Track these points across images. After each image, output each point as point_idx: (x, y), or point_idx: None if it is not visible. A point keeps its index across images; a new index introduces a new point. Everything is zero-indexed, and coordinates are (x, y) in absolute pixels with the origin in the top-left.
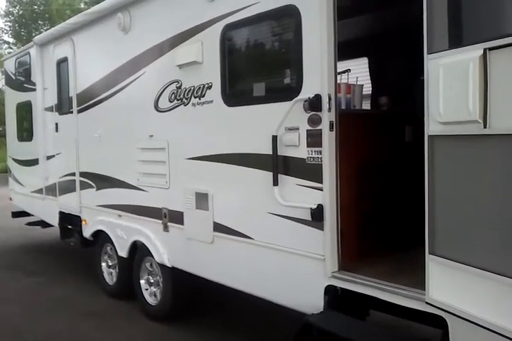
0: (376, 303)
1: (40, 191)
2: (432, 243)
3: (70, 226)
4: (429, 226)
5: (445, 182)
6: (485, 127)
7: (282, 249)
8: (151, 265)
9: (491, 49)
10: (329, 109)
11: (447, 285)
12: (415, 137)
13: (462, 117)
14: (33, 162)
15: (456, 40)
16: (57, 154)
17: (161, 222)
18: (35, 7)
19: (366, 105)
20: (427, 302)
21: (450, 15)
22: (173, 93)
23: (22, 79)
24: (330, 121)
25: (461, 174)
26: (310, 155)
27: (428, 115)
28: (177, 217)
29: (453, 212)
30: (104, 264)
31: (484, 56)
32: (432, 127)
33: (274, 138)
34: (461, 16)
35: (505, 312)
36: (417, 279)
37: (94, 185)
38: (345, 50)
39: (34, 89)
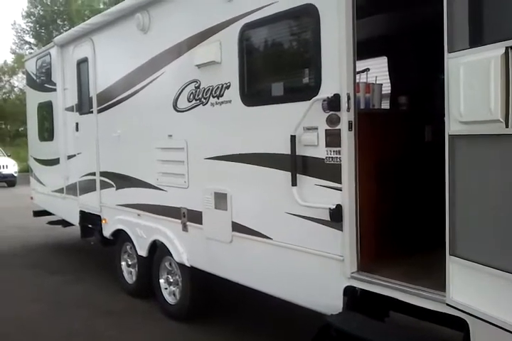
0: (395, 305)
1: (61, 190)
2: (452, 244)
3: (90, 226)
4: (449, 227)
5: (466, 183)
6: (507, 126)
7: (301, 250)
8: (170, 264)
9: None
10: (348, 109)
11: (468, 287)
12: (435, 137)
13: (483, 117)
14: (54, 161)
15: (477, 38)
16: (78, 154)
17: (180, 221)
18: (56, 8)
19: (385, 105)
20: (447, 304)
21: (471, 13)
22: (192, 93)
23: (43, 80)
24: (349, 121)
25: (483, 174)
26: (329, 155)
27: (449, 114)
28: (196, 217)
29: (474, 213)
30: (123, 263)
31: (506, 55)
32: (453, 127)
33: (293, 138)
34: (482, 14)
35: None
36: (437, 281)
37: (114, 184)
38: (364, 49)
39: (55, 90)
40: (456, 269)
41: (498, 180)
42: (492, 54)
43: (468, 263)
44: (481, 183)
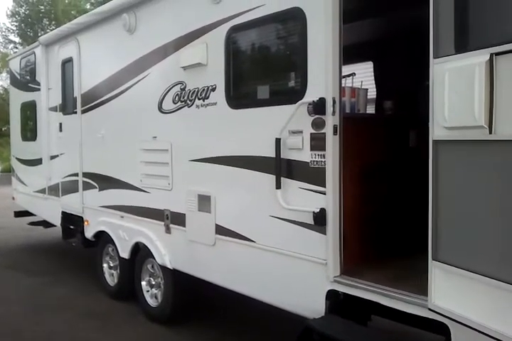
0: (378, 309)
1: (43, 191)
2: (435, 249)
3: (72, 227)
4: (432, 232)
5: (449, 188)
6: (490, 133)
7: (284, 253)
8: (152, 267)
9: (497, 54)
10: (333, 113)
11: (450, 292)
12: (419, 142)
13: (467, 122)
14: (37, 162)
15: (463, 44)
16: (61, 154)
17: (163, 223)
18: (42, 7)
19: (371, 109)
20: (429, 309)
21: (457, 19)
22: (177, 94)
23: (27, 79)
24: (334, 125)
25: (466, 180)
26: (313, 159)
27: (433, 120)
28: (179, 219)
29: (457, 218)
30: (105, 265)
31: (491, 61)
32: (437, 132)
33: (278, 141)
34: (467, 21)
35: (509, 320)
36: (420, 285)
37: (96, 185)
38: (350, 54)
39: (39, 89)
40: (438, 274)
41: (481, 185)
42: (477, 60)
43: (450, 268)
44: (464, 189)
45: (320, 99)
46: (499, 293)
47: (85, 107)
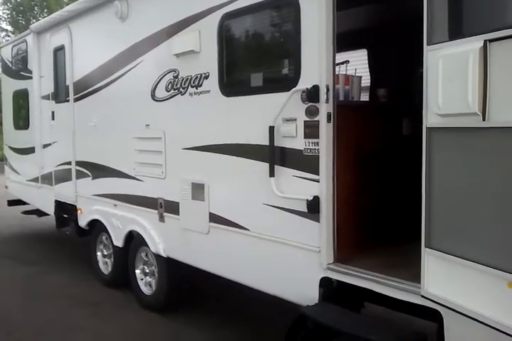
0: (371, 296)
1: (36, 180)
2: (428, 236)
3: (65, 215)
4: (425, 220)
5: (443, 175)
6: (484, 120)
7: (278, 241)
8: (146, 255)
9: (491, 41)
10: (327, 100)
11: (443, 279)
12: (413, 130)
13: (461, 109)
14: (30, 150)
15: (456, 31)
16: (54, 143)
17: (156, 212)
18: None
19: (365, 97)
20: (422, 296)
21: (450, 6)
22: (170, 82)
23: (19, 67)
24: (327, 113)
25: (459, 167)
26: (307, 147)
27: (427, 107)
28: (173, 208)
29: (450, 206)
30: (99, 253)
31: (484, 48)
32: (431, 119)
33: (271, 129)
34: (461, 7)
35: (501, 307)
36: (413, 272)
37: (90, 174)
38: (344, 41)
39: (31, 77)
40: (431, 261)
41: (474, 172)
42: (471, 47)
43: (443, 255)
44: (457, 176)
45: (313, 86)
46: (492, 280)
47: (78, 95)
